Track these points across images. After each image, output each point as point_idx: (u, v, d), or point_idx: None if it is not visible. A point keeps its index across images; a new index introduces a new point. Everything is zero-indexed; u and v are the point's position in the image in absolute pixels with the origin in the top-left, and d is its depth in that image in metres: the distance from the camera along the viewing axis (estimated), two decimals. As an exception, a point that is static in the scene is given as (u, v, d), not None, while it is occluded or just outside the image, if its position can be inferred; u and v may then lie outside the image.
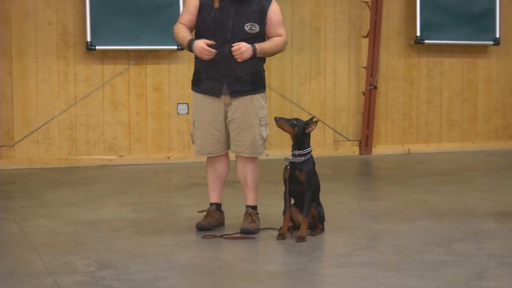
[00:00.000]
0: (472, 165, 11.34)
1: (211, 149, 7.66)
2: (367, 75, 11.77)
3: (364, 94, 11.83)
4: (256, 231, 7.59)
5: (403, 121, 12.13)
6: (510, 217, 8.46)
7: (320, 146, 11.81)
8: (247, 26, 7.25)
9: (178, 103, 11.34)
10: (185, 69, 11.28)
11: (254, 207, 7.82)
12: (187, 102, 11.31)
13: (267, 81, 11.45)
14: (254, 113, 7.59)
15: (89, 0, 10.67)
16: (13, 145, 10.85)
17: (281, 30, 7.46)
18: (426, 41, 11.81)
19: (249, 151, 7.67)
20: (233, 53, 7.16)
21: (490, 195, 9.38)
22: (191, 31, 7.40)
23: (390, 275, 6.23)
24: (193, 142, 7.80)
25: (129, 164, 11.13)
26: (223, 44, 7.19)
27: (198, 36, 7.33)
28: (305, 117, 11.61)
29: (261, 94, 7.65)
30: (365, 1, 11.71)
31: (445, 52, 12.18)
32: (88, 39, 10.74)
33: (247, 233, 7.52)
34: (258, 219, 7.76)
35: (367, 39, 11.73)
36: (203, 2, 7.24)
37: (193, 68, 7.53)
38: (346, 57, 11.84)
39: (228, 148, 7.72)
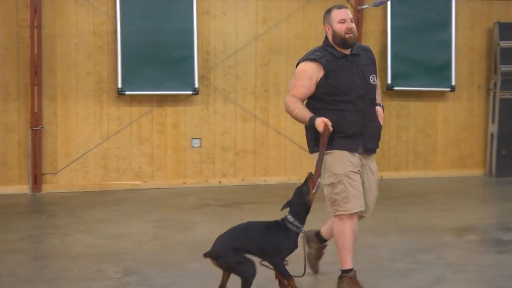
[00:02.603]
0: (433, 189, 11.30)
1: (361, 203, 5.97)
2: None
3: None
4: None
5: (377, 153, 12.04)
6: (465, 232, 8.43)
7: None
8: (371, 78, 6.09)
9: (193, 138, 11.33)
10: (198, 110, 11.28)
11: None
12: (199, 137, 11.30)
13: (271, 121, 11.54)
14: (376, 171, 6.21)
15: (120, 54, 10.69)
16: (56, 173, 10.83)
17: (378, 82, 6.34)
18: (395, 88, 11.78)
19: (371, 211, 6.24)
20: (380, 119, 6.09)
21: (448, 214, 9.36)
22: (303, 102, 6.06)
23: (366, 280, 6.18)
24: (337, 201, 5.99)
25: (152, 188, 11.08)
26: (357, 102, 5.94)
27: (326, 101, 5.96)
28: (296, 150, 11.64)
29: None
30: (345, 55, 11.69)
31: (411, 97, 12.15)
32: (119, 85, 10.75)
33: None
34: None
35: (347, 86, 11.71)
36: (328, 68, 5.90)
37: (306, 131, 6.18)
38: (330, 100, 11.81)
39: None
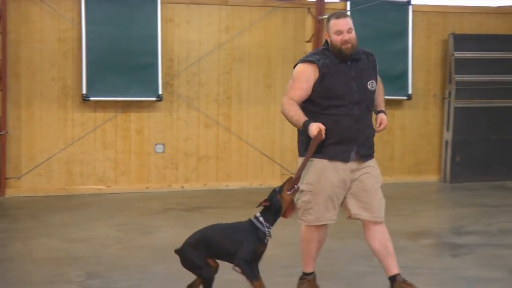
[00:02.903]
0: (390, 194, 11.27)
1: (328, 216, 5.89)
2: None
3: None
4: None
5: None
6: (420, 236, 8.48)
7: (270, 178, 11.77)
8: (369, 84, 5.90)
9: (156, 144, 11.29)
10: (162, 116, 11.24)
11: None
12: (163, 143, 11.26)
13: (233, 127, 11.53)
14: (377, 176, 6.02)
15: (85, 60, 10.62)
16: (20, 177, 10.73)
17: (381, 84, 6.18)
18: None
19: (383, 214, 5.95)
20: (380, 129, 5.99)
21: (404, 218, 9.41)
22: (299, 104, 5.92)
23: (325, 283, 6.22)
24: (301, 209, 5.97)
25: (116, 193, 11.01)
26: (352, 107, 5.79)
27: (321, 105, 5.82)
28: (258, 156, 11.64)
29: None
30: (306, 64, 11.73)
31: (369, 105, 12.23)
32: (84, 91, 10.67)
33: None
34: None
35: (307, 94, 11.74)
36: (324, 72, 5.77)
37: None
38: (291, 108, 11.82)
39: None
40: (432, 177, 12.48)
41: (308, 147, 5.76)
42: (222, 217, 9.32)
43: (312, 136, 5.67)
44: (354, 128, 5.78)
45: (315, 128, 5.65)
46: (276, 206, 5.73)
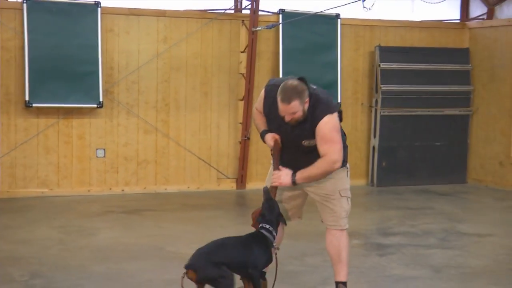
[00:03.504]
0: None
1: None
2: (243, 128, 11.77)
3: (240, 143, 11.83)
4: None
5: (269, 163, 12.11)
6: (349, 237, 8.52)
7: (207, 182, 11.77)
8: (304, 142, 5.58)
9: (97, 149, 11.18)
10: (102, 122, 11.14)
11: (345, 283, 5.95)
12: (104, 148, 11.17)
13: (171, 133, 11.50)
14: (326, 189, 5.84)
15: (28, 68, 10.47)
16: (-36, 181, 10.56)
17: (328, 147, 5.51)
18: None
19: (342, 222, 5.92)
20: (273, 180, 5.73)
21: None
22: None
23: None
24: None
25: (58, 196, 10.88)
26: (287, 151, 5.74)
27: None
28: (195, 161, 11.62)
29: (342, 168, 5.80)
30: (241, 73, 11.75)
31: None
32: (27, 98, 10.52)
33: None
34: None
35: (242, 102, 11.76)
36: (266, 110, 5.74)
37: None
38: (227, 115, 11.85)
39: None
40: (360, 181, 12.61)
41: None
42: (160, 219, 9.37)
43: (269, 146, 5.76)
44: (292, 165, 5.68)
45: (270, 138, 5.73)
46: (275, 211, 5.64)
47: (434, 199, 11.48)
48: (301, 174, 5.61)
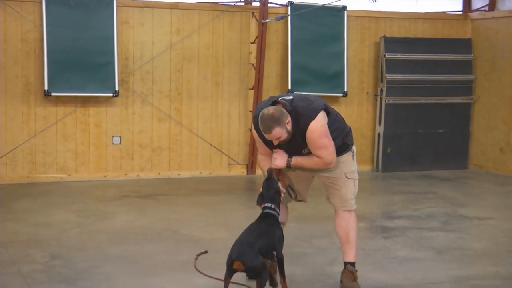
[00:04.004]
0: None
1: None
2: (253, 116, 11.76)
3: (250, 131, 11.84)
4: None
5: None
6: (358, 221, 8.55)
7: (218, 168, 11.79)
8: (304, 151, 5.63)
9: (113, 136, 11.20)
10: (118, 111, 11.16)
11: (353, 264, 5.98)
12: (119, 135, 11.20)
13: (184, 121, 11.52)
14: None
15: (46, 59, 10.48)
16: (-13, 167, 10.62)
17: (321, 152, 5.54)
18: (295, 93, 11.80)
19: (349, 204, 5.99)
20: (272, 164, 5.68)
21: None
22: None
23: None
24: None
25: (76, 181, 10.91)
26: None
27: None
28: (207, 148, 11.65)
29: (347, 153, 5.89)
30: (251, 64, 11.74)
31: (308, 101, 12.27)
32: (46, 88, 10.54)
33: None
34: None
35: (252, 91, 11.76)
36: (263, 140, 5.70)
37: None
38: (237, 103, 11.85)
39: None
40: (366, 167, 12.60)
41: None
42: (173, 203, 9.38)
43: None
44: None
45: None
46: (274, 189, 5.64)
47: (437, 184, 11.47)
48: (297, 161, 5.62)
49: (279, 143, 5.56)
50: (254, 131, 5.77)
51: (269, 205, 5.60)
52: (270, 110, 5.46)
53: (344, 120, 5.90)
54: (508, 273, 6.51)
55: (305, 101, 5.62)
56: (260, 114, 5.50)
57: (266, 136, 5.52)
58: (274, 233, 5.48)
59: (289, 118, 5.48)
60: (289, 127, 5.48)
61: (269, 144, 5.70)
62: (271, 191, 5.63)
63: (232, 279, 5.33)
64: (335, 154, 5.61)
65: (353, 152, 5.90)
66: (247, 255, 5.21)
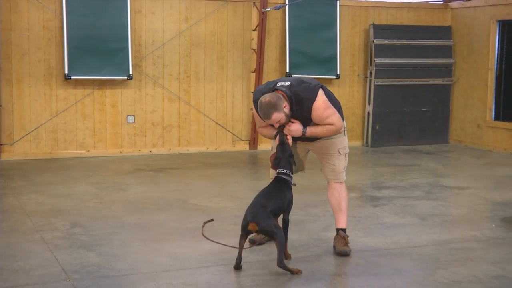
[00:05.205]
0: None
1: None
2: (253, 100, 11.69)
3: (252, 110, 11.78)
4: (350, 252, 5.82)
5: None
6: (349, 191, 8.52)
7: (223, 144, 11.75)
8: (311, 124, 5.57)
9: (128, 115, 11.14)
10: (132, 92, 11.09)
11: (345, 230, 5.97)
12: (133, 114, 11.13)
13: (192, 101, 11.48)
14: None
15: (66, 45, 10.40)
16: (13, 143, 10.52)
17: (330, 121, 5.51)
18: (293, 75, 11.70)
19: (339, 176, 5.93)
20: (285, 130, 5.56)
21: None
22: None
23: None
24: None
25: (94, 156, 10.87)
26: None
27: None
28: (213, 126, 11.60)
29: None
30: (253, 49, 11.66)
31: (304, 83, 12.19)
32: (66, 71, 10.47)
33: (345, 255, 5.77)
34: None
35: (254, 74, 11.68)
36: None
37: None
38: (240, 85, 11.77)
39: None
40: (357, 142, 12.56)
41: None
42: (183, 176, 9.36)
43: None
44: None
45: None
46: (287, 152, 5.57)
47: (420, 157, 11.43)
48: (311, 130, 5.53)
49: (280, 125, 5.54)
50: (255, 113, 5.70)
51: (284, 170, 5.54)
52: (266, 97, 5.40)
53: (335, 97, 5.83)
54: (484, 236, 6.49)
55: (302, 84, 5.56)
56: (258, 103, 5.45)
57: (267, 121, 5.49)
58: (285, 197, 5.46)
59: (286, 102, 5.42)
60: (286, 110, 5.42)
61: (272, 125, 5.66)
62: (286, 154, 5.56)
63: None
64: (341, 119, 5.61)
65: (345, 128, 5.84)
66: (261, 216, 5.20)
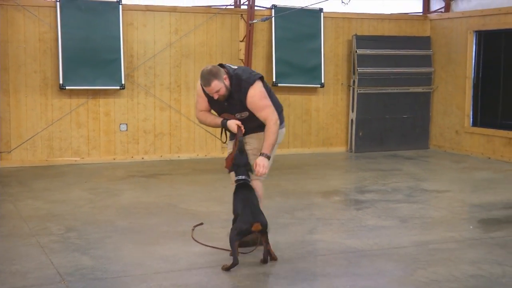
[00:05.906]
0: (307, 162, 11.46)
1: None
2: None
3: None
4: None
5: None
6: (331, 194, 8.57)
7: (213, 151, 11.77)
8: (237, 115, 5.69)
9: (120, 123, 11.14)
10: (125, 101, 11.10)
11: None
12: (126, 122, 11.14)
13: (183, 110, 11.47)
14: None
15: (61, 56, 10.41)
16: (10, 151, 10.49)
17: (264, 113, 5.58)
18: (279, 84, 11.82)
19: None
20: (258, 174, 5.54)
21: (318, 181, 9.49)
22: (209, 111, 5.92)
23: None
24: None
25: (88, 163, 10.86)
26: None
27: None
28: (203, 133, 11.60)
29: None
30: (241, 59, 11.69)
31: (291, 92, 12.23)
32: (61, 82, 10.47)
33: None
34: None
35: (241, 83, 11.71)
36: (208, 98, 5.73)
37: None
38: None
39: None
40: (341, 148, 12.60)
41: (234, 135, 5.82)
42: (174, 182, 9.36)
43: (234, 130, 5.72)
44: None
45: (234, 124, 5.69)
46: (244, 160, 5.69)
47: (402, 162, 11.48)
48: (266, 149, 5.54)
49: (218, 98, 5.57)
50: (198, 87, 5.75)
51: (242, 177, 5.66)
52: (208, 66, 5.58)
53: (278, 100, 5.90)
54: (462, 237, 6.53)
55: (245, 71, 5.73)
56: (201, 72, 5.56)
57: (206, 89, 5.53)
58: (255, 197, 5.61)
59: (226, 76, 5.54)
60: (227, 82, 5.54)
61: (214, 103, 5.71)
62: (243, 162, 5.68)
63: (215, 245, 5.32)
64: (276, 112, 5.63)
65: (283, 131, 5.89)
66: (261, 216, 5.41)
